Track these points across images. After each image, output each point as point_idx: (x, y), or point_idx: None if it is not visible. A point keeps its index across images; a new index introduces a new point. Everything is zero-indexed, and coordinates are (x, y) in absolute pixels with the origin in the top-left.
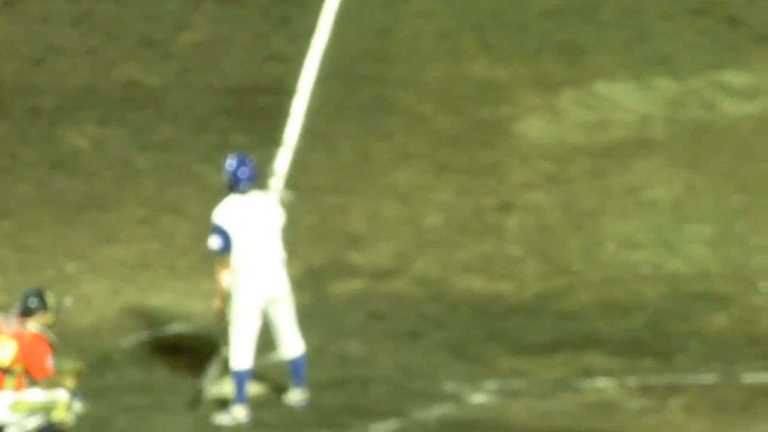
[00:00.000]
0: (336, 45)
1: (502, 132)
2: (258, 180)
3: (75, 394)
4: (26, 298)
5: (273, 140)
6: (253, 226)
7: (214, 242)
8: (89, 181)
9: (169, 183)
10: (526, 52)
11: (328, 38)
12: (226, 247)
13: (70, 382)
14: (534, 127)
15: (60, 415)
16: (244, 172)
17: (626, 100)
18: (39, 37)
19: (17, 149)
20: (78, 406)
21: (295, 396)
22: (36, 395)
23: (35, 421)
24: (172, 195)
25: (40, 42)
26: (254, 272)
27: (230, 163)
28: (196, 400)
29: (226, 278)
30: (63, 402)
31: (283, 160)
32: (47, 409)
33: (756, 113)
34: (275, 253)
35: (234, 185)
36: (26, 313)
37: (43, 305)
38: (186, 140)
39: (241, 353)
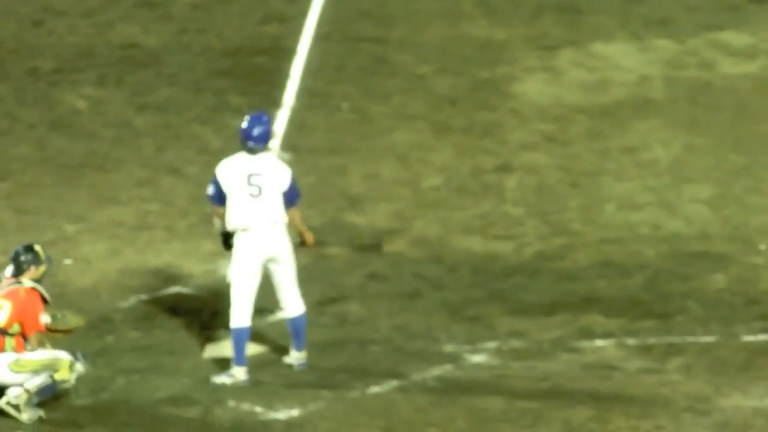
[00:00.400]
0: (334, 5)
1: (501, 93)
2: (270, 140)
3: (76, 354)
4: (16, 255)
5: (271, 101)
6: (253, 186)
7: (209, 190)
8: (88, 142)
9: (168, 144)
10: (524, 13)
11: None
12: (216, 199)
13: (61, 336)
14: (533, 88)
15: (63, 375)
16: (254, 131)
17: (625, 60)
18: None
19: (16, 110)
20: (80, 366)
21: (295, 357)
22: (38, 355)
23: (37, 381)
24: (171, 156)
25: (38, 3)
26: (252, 232)
27: (245, 119)
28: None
29: (217, 222)
30: (65, 361)
31: (281, 121)
32: (49, 368)
33: (755, 73)
34: (275, 214)
35: (242, 142)
36: (19, 270)
37: (35, 258)
38: (185, 101)
39: (239, 311)
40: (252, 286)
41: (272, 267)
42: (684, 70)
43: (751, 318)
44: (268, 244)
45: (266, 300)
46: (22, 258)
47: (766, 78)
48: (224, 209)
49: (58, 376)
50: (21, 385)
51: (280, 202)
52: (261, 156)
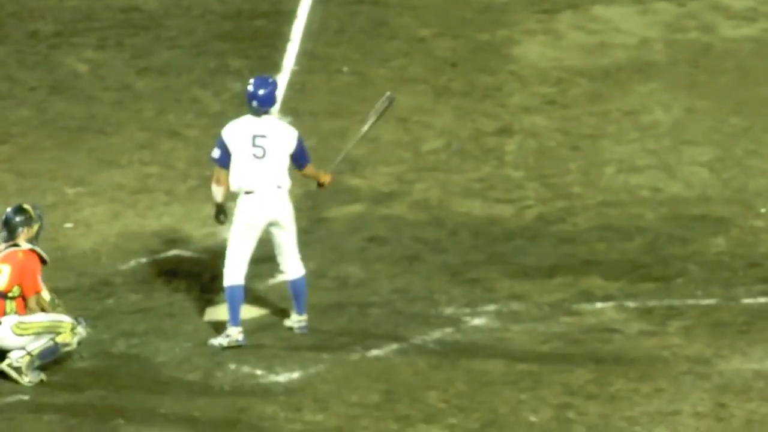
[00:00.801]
0: None
1: (501, 56)
2: (274, 104)
3: (77, 317)
4: (7, 220)
5: (271, 64)
6: (258, 147)
7: (215, 152)
8: (88, 105)
9: (168, 107)
10: None
11: None
12: (222, 161)
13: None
14: (533, 51)
15: (65, 338)
16: (259, 92)
17: (625, 23)
18: None
19: (16, 74)
20: (81, 330)
21: (296, 320)
22: (40, 317)
23: (39, 344)
24: (171, 119)
25: None
26: (256, 194)
27: (251, 81)
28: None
29: (216, 191)
30: (67, 324)
31: (282, 84)
32: (51, 331)
33: (755, 36)
34: (279, 178)
35: (248, 104)
36: (12, 235)
37: (26, 219)
38: (185, 64)
39: (233, 270)
40: (249, 248)
41: (273, 230)
42: (684, 32)
43: (751, 281)
44: (271, 208)
45: (266, 263)
46: (14, 221)
47: (766, 41)
48: (227, 173)
49: (60, 339)
50: (23, 348)
51: (284, 165)
52: (266, 118)
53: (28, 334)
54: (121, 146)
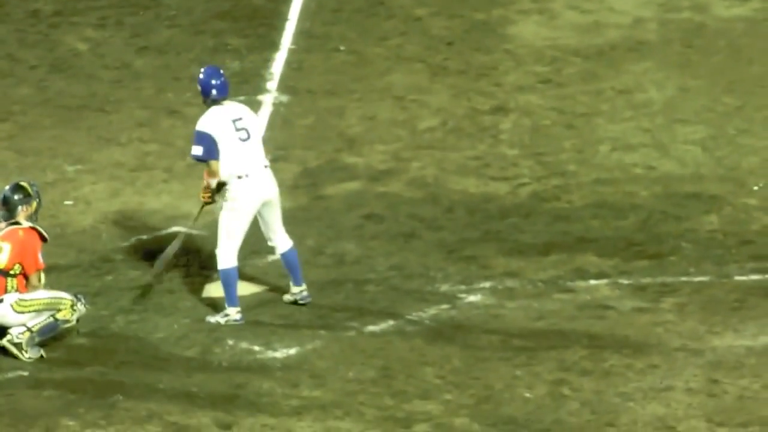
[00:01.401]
0: None
1: (496, 35)
2: (230, 89)
3: (77, 294)
4: (5, 199)
5: (269, 43)
6: (241, 130)
7: (198, 150)
8: (88, 83)
9: (167, 85)
10: None
11: None
12: (209, 154)
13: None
14: (528, 30)
15: (65, 315)
16: (215, 83)
17: (619, 2)
18: None
19: (17, 52)
20: (81, 307)
21: (296, 291)
22: (40, 294)
23: (40, 320)
24: (170, 97)
25: None
26: (251, 177)
27: (202, 72)
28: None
29: (212, 182)
30: (68, 301)
31: (279, 63)
32: (52, 308)
33: (748, 15)
34: (264, 157)
35: (212, 95)
36: (12, 213)
37: (24, 197)
38: (184, 43)
39: (228, 253)
40: (244, 230)
41: (264, 209)
42: (678, 12)
43: (743, 258)
44: (265, 188)
45: (263, 240)
46: (12, 199)
47: (759, 20)
48: (218, 163)
49: (60, 316)
50: (24, 324)
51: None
52: (229, 102)
53: (29, 312)
54: (121, 124)
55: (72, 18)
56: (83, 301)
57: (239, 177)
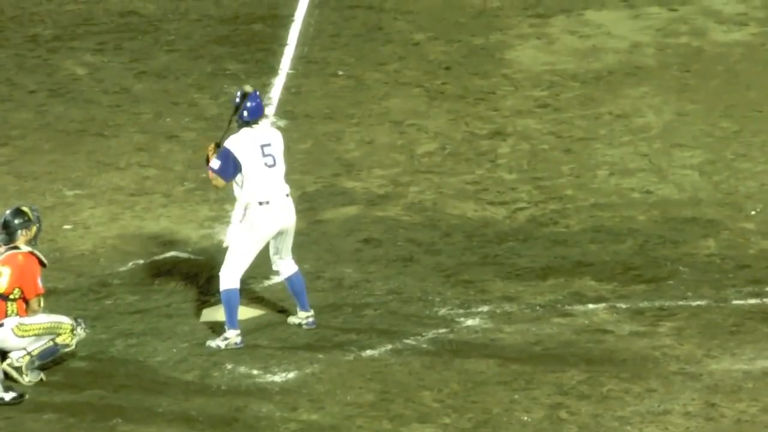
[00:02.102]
0: None
1: (494, 60)
2: (263, 113)
3: (77, 318)
4: (6, 223)
5: (268, 68)
6: (268, 156)
7: (216, 164)
8: (87, 108)
9: (165, 110)
10: None
11: None
12: (224, 173)
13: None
14: (526, 55)
15: (65, 339)
16: (252, 105)
17: (617, 27)
18: None
19: (16, 77)
20: (81, 331)
21: (303, 316)
22: (40, 319)
23: (40, 344)
24: (169, 122)
25: None
26: (272, 204)
27: (240, 96)
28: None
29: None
30: (67, 326)
31: (278, 88)
32: (52, 332)
33: (746, 41)
34: (286, 185)
35: (244, 117)
36: (12, 237)
37: (24, 221)
38: (182, 68)
39: (233, 274)
40: (255, 255)
41: (278, 235)
42: (675, 37)
43: (740, 282)
44: (285, 216)
45: (262, 264)
46: (13, 224)
47: (757, 46)
48: (225, 183)
49: (60, 340)
50: (24, 348)
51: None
52: (261, 125)
53: (29, 336)
54: (120, 149)
55: (71, 43)
56: (83, 325)
57: (260, 203)
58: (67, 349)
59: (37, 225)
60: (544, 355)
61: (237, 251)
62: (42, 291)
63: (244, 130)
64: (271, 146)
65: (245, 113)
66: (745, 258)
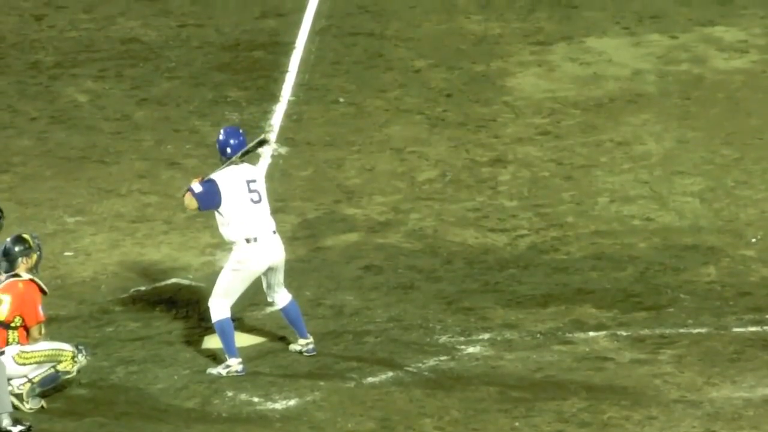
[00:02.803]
0: (331, 0)
1: (495, 87)
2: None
3: (78, 345)
4: (6, 251)
5: (269, 95)
6: (254, 192)
7: (198, 188)
8: (88, 135)
9: (167, 137)
10: (519, 8)
11: None
12: (202, 198)
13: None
14: (527, 82)
15: (66, 366)
16: (233, 143)
17: (618, 55)
18: None
19: (17, 104)
20: (82, 358)
21: (303, 344)
22: (41, 346)
23: (41, 372)
24: (170, 149)
25: None
26: (261, 242)
27: (221, 133)
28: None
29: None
30: (68, 353)
31: (278, 115)
32: (53, 360)
33: (746, 68)
34: (273, 221)
35: (227, 154)
36: (12, 265)
37: (25, 249)
38: (183, 95)
39: (221, 307)
40: (242, 291)
41: (267, 271)
42: (676, 64)
43: (741, 310)
44: (273, 253)
45: (262, 292)
46: (13, 251)
47: (758, 73)
48: (198, 208)
49: (61, 368)
50: (25, 376)
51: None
52: (246, 164)
53: (30, 363)
54: (121, 176)
55: (72, 70)
56: (84, 352)
57: (248, 240)
58: (68, 376)
59: (38, 252)
60: (544, 382)
61: (225, 286)
62: (43, 319)
63: (230, 166)
64: (257, 182)
65: (228, 150)
66: (746, 285)
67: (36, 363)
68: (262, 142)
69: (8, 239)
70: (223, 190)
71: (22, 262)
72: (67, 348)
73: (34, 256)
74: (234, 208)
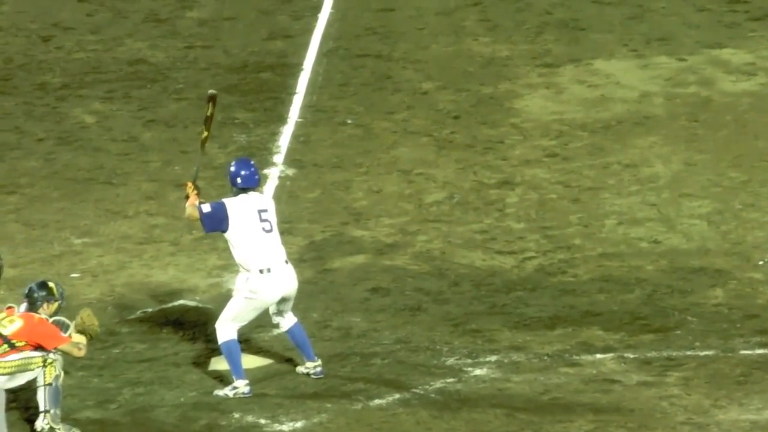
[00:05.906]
0: (339, 22)
1: (503, 109)
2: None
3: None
4: (30, 292)
5: (277, 116)
6: (265, 221)
7: (207, 208)
8: (96, 156)
9: (174, 159)
10: (527, 30)
11: (332, 15)
12: (208, 219)
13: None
14: (535, 104)
15: (50, 372)
16: (246, 173)
17: (626, 77)
18: (46, 14)
19: (25, 125)
20: (54, 356)
21: (310, 366)
22: (12, 357)
23: (41, 397)
24: (178, 171)
25: (47, 19)
26: (274, 272)
27: (232, 164)
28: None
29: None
30: (38, 359)
31: (286, 136)
32: (24, 368)
33: (754, 90)
34: (283, 251)
35: (237, 184)
36: (33, 307)
37: (48, 295)
38: (191, 116)
39: (229, 327)
40: (252, 318)
41: (280, 301)
42: (684, 87)
43: (748, 332)
44: (286, 284)
45: (263, 316)
46: (36, 295)
47: (765, 95)
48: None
49: (48, 379)
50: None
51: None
52: (257, 194)
53: (7, 374)
54: (128, 197)
55: (79, 91)
56: (52, 356)
57: (261, 271)
58: (60, 378)
59: (59, 302)
60: (551, 404)
61: (235, 312)
62: (68, 340)
63: (241, 195)
64: (268, 212)
65: (238, 180)
66: (753, 308)
67: (8, 374)
68: (211, 98)
69: (33, 283)
70: (231, 215)
71: (42, 307)
72: (36, 354)
73: (55, 305)
74: (244, 236)
